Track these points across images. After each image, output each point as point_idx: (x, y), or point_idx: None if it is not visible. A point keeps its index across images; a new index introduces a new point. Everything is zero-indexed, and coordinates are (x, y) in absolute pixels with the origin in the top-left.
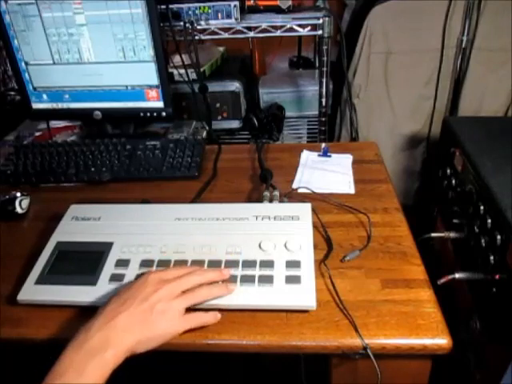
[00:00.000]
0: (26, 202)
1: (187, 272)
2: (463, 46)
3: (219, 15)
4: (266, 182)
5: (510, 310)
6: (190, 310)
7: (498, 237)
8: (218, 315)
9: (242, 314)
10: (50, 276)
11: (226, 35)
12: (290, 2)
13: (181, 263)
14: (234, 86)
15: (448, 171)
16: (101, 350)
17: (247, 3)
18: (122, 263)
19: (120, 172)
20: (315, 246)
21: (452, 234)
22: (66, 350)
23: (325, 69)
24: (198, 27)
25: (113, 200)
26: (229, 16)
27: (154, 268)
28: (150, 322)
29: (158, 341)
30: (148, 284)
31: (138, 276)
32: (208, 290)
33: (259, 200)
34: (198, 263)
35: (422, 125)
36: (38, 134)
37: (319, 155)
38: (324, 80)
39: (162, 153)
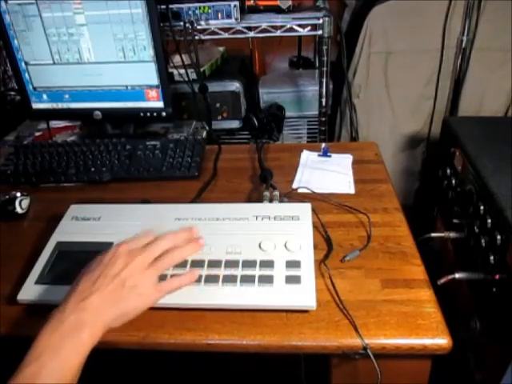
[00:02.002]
0: (26, 202)
1: (155, 238)
2: (463, 46)
3: (219, 15)
4: (266, 182)
5: (510, 310)
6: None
7: (498, 237)
8: (196, 273)
9: (241, 314)
10: (50, 276)
11: (226, 35)
12: (290, 2)
13: (181, 263)
14: (234, 86)
15: (448, 171)
16: (76, 331)
17: (247, 3)
18: None
19: (120, 172)
20: (315, 246)
21: (452, 234)
22: (40, 334)
23: (325, 69)
24: (198, 27)
25: (113, 200)
26: (229, 16)
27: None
28: (123, 298)
29: (133, 313)
30: (117, 258)
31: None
32: (179, 252)
33: (259, 200)
34: (198, 263)
35: (421, 125)
36: (37, 134)
37: (319, 155)
38: (324, 80)
39: (161, 153)
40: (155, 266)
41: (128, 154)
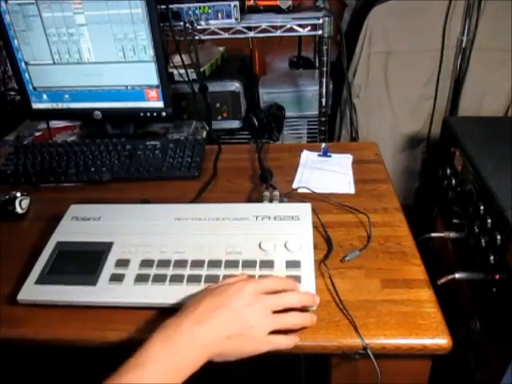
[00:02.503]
0: (26, 202)
1: (283, 287)
2: (463, 46)
3: (219, 15)
4: (266, 182)
5: (510, 309)
6: None
7: (498, 237)
8: (297, 339)
9: None
10: (50, 276)
11: (226, 35)
12: (290, 2)
13: (181, 263)
14: (234, 86)
15: (448, 171)
16: (185, 351)
17: (247, 3)
18: (122, 263)
19: (120, 172)
20: (315, 246)
21: (452, 234)
22: (151, 341)
23: (325, 69)
24: (198, 27)
25: (113, 200)
26: (229, 16)
27: (154, 268)
28: (237, 338)
29: (238, 356)
30: (243, 294)
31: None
32: (300, 317)
33: (259, 200)
34: (198, 263)
35: (421, 125)
36: (38, 134)
37: (319, 155)
38: (324, 80)
39: (162, 153)
40: (274, 319)
41: (128, 154)
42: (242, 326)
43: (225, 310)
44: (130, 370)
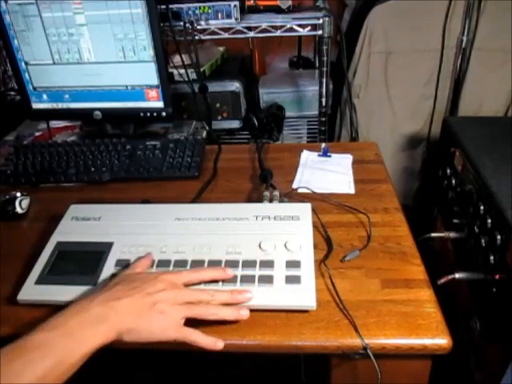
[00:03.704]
0: (25, 202)
1: (202, 279)
2: (463, 46)
3: (219, 15)
4: (265, 182)
5: (510, 309)
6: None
7: (498, 237)
8: (219, 344)
9: None
10: (50, 276)
11: (226, 35)
12: (290, 2)
13: (181, 263)
14: (234, 86)
15: (448, 171)
16: (96, 322)
17: (247, 3)
18: (122, 263)
19: (120, 172)
20: (315, 246)
21: (452, 234)
22: (63, 311)
23: (325, 69)
24: (198, 27)
25: (113, 200)
26: (229, 16)
27: (155, 268)
28: (146, 317)
29: (147, 337)
30: (159, 281)
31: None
32: (215, 310)
33: (259, 200)
34: (198, 263)
35: (421, 125)
36: (37, 133)
37: (319, 155)
38: (324, 80)
39: (162, 153)
40: (187, 307)
41: (128, 154)
42: (153, 308)
43: (139, 291)
44: (37, 333)
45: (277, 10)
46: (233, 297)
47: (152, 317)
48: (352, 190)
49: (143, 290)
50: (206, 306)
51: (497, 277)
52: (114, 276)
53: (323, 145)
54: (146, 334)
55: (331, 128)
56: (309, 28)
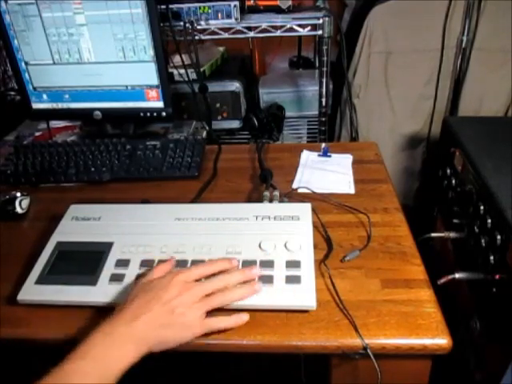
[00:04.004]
0: (25, 202)
1: (212, 271)
2: (463, 46)
3: (219, 15)
4: (266, 182)
5: (510, 310)
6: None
7: (498, 237)
8: (244, 318)
9: None
10: (50, 276)
11: (226, 35)
12: (290, 2)
13: (181, 263)
14: (234, 86)
15: (448, 171)
16: (123, 344)
17: (247, 3)
18: (122, 263)
19: (120, 172)
20: (315, 246)
21: (452, 234)
22: (88, 337)
23: (325, 69)
24: (198, 27)
25: (113, 200)
26: (229, 16)
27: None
28: (170, 325)
29: (175, 342)
30: (172, 287)
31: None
32: (231, 293)
33: (259, 200)
34: (198, 263)
35: (421, 125)
36: (38, 133)
37: (319, 155)
38: (324, 80)
39: (162, 153)
40: (205, 302)
41: (128, 154)
42: (174, 315)
43: (156, 302)
44: (69, 363)
45: (277, 10)
46: (246, 274)
47: (175, 323)
48: (352, 190)
49: (159, 299)
50: (222, 293)
51: (497, 277)
52: (138, 277)
53: (323, 145)
54: (174, 341)
55: (331, 128)
56: (309, 28)
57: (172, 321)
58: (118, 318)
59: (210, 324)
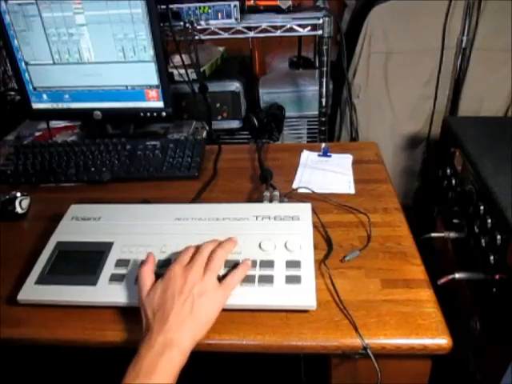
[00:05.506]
0: (25, 202)
1: (199, 249)
2: (463, 46)
3: (219, 15)
4: (266, 182)
5: (510, 309)
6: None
7: (498, 237)
8: (248, 262)
9: (241, 314)
10: (50, 276)
11: (226, 35)
12: (290, 2)
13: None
14: (234, 85)
15: (448, 171)
16: (166, 351)
17: (247, 3)
18: (122, 263)
19: (120, 172)
20: (315, 246)
21: (452, 234)
22: (135, 358)
23: (325, 69)
24: (198, 27)
25: (113, 200)
26: (229, 16)
27: (155, 268)
28: (196, 309)
29: (211, 318)
30: (176, 277)
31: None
32: (222, 251)
33: (259, 200)
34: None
35: (421, 125)
36: (38, 133)
37: (319, 155)
38: (324, 80)
39: (162, 153)
40: (210, 270)
41: (128, 154)
42: (195, 296)
43: (172, 298)
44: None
45: (277, 10)
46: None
47: (200, 304)
48: (352, 190)
49: (174, 295)
50: (215, 254)
51: (497, 277)
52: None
53: (323, 145)
54: (210, 318)
55: (331, 128)
56: (309, 28)
57: (196, 304)
58: (151, 332)
59: (228, 284)
